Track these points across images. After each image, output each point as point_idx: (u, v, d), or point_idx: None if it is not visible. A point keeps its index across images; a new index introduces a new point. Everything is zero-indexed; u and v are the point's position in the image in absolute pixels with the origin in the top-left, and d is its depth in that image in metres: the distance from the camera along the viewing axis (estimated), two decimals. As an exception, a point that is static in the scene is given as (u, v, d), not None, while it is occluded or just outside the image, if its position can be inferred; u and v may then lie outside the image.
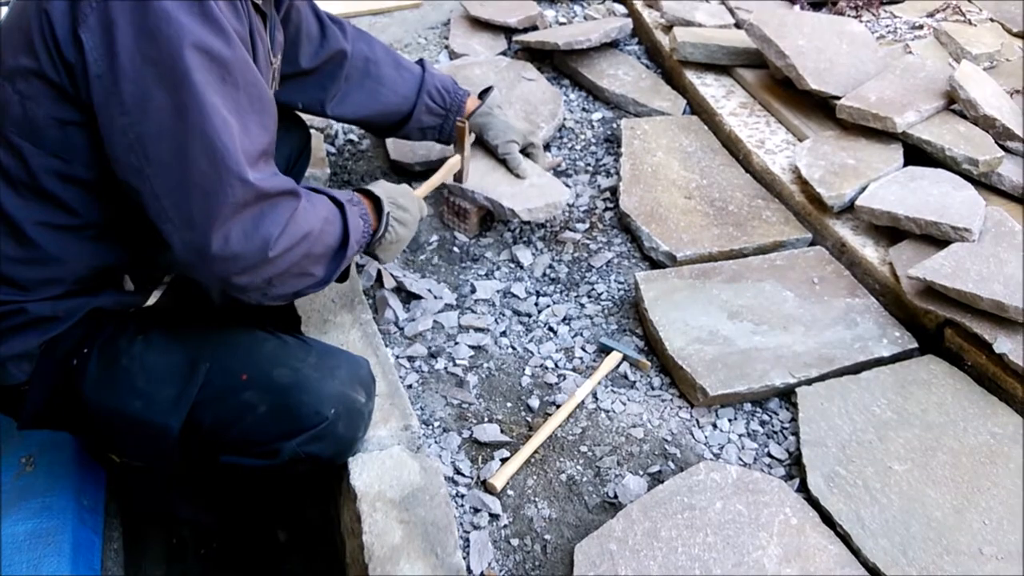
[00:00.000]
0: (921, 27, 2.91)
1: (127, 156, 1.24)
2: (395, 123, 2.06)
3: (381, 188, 1.67)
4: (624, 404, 1.75)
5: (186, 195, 1.25)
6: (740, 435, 1.69)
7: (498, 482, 1.57)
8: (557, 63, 2.95)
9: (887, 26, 2.93)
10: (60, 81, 1.25)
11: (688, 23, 2.90)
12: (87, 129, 1.27)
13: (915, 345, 1.81)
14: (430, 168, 2.41)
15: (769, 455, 1.65)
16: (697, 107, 2.67)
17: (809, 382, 1.72)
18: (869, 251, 2.00)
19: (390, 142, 2.47)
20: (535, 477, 1.61)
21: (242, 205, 1.27)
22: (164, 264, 1.36)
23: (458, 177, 2.11)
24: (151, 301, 1.51)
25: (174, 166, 1.24)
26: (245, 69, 1.30)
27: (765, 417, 1.73)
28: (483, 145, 2.17)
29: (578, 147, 2.57)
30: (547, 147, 2.56)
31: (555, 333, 1.94)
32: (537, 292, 2.06)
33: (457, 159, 2.07)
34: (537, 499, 1.57)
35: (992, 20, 2.92)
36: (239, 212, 1.27)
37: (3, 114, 1.29)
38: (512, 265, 2.14)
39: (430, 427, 1.70)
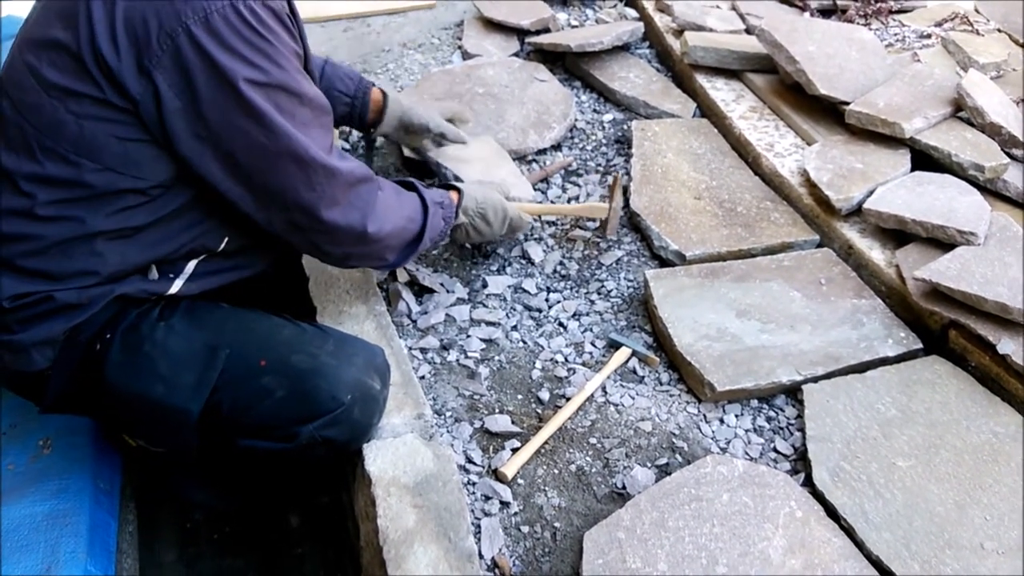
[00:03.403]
0: (929, 36, 2.94)
1: (226, 173, 1.40)
2: None
3: (475, 195, 1.84)
4: (633, 398, 1.78)
5: (286, 191, 1.44)
6: (747, 430, 1.72)
7: (509, 471, 1.60)
8: (569, 65, 2.98)
9: (896, 35, 2.96)
10: (125, 106, 1.32)
11: (699, 28, 2.94)
12: (154, 145, 1.36)
13: (920, 346, 1.84)
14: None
15: (775, 450, 1.68)
16: (707, 110, 2.71)
17: (815, 380, 1.75)
18: (876, 253, 2.03)
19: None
20: (545, 467, 1.64)
21: (333, 192, 1.47)
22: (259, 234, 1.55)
23: (603, 227, 2.19)
24: (173, 289, 1.54)
25: (270, 175, 1.41)
26: (305, 90, 1.43)
27: (771, 413, 1.76)
28: (408, 130, 2.16)
29: (589, 148, 2.60)
30: (558, 147, 2.59)
31: (565, 328, 1.98)
32: (548, 288, 2.09)
33: (604, 207, 2.15)
34: (547, 488, 1.60)
35: (999, 31, 2.95)
36: (334, 198, 1.48)
37: (57, 131, 1.34)
38: (523, 261, 2.17)
39: (442, 417, 1.73)
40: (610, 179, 2.39)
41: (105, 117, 1.32)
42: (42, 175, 1.36)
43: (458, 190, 1.84)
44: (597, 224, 2.23)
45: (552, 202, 2.35)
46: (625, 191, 2.35)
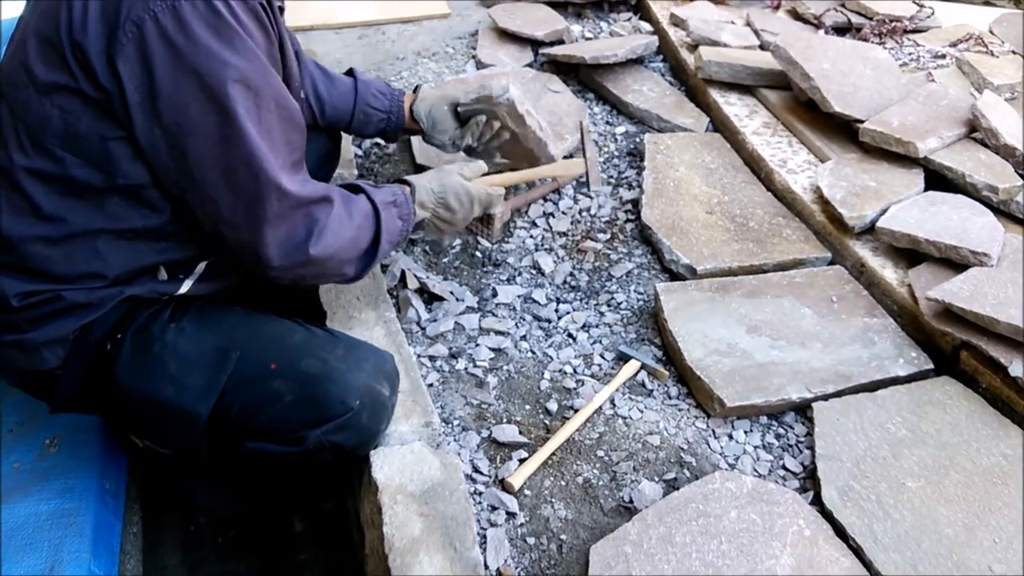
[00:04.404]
0: (944, 56, 2.94)
1: (175, 173, 1.36)
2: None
3: (430, 185, 1.73)
4: (641, 412, 1.78)
5: (232, 204, 1.37)
6: (755, 447, 1.71)
7: (516, 481, 1.59)
8: (583, 77, 2.98)
9: (910, 54, 2.96)
10: (99, 99, 1.30)
11: (714, 43, 2.94)
12: (129, 142, 1.34)
13: (931, 366, 1.83)
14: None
15: (784, 468, 1.67)
16: (720, 125, 2.70)
17: (825, 397, 1.75)
18: (888, 272, 2.03)
19: (416, 146, 2.50)
20: (552, 478, 1.63)
21: (282, 213, 1.40)
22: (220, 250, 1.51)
23: (585, 180, 2.16)
24: (183, 289, 1.54)
25: (220, 180, 1.36)
26: (276, 93, 1.38)
27: (781, 430, 1.75)
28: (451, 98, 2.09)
29: (601, 159, 2.60)
30: (570, 158, 2.59)
31: (574, 339, 1.97)
32: (557, 299, 2.09)
33: (580, 162, 2.11)
34: (554, 500, 1.59)
35: (1014, 52, 2.95)
36: (281, 219, 1.40)
37: (43, 127, 1.34)
38: (533, 271, 2.17)
39: (450, 425, 1.73)
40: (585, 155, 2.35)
41: (85, 111, 1.31)
42: (37, 172, 1.36)
43: (410, 184, 1.73)
44: (569, 182, 2.18)
45: (564, 213, 2.34)
46: (636, 204, 2.35)
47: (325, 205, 1.47)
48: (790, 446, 1.72)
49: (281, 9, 1.54)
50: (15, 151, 1.37)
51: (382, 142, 2.62)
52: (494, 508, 1.57)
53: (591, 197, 2.42)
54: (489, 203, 1.83)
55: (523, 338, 1.97)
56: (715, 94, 2.76)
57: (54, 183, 1.36)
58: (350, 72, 2.07)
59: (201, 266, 1.54)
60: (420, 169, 2.46)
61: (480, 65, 3.02)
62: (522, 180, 2.04)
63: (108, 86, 1.28)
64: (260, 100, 1.34)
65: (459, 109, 2.04)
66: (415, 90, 2.11)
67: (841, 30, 3.13)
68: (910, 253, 2.03)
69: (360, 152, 2.58)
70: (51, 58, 1.31)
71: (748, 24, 3.14)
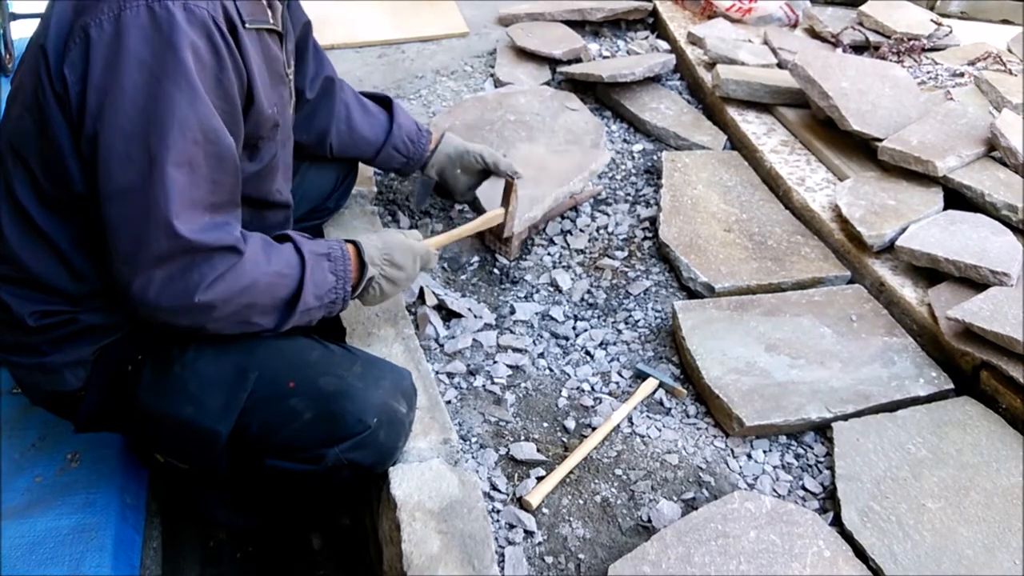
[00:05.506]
0: (962, 75, 2.93)
1: (90, 192, 1.31)
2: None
3: (374, 242, 1.64)
4: (659, 430, 1.77)
5: (121, 231, 1.29)
6: (775, 467, 1.70)
7: (534, 500, 1.59)
8: (600, 95, 3.00)
9: (928, 72, 2.96)
10: (55, 112, 1.29)
11: (731, 61, 2.95)
12: (79, 159, 1.31)
13: (951, 386, 1.82)
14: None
15: (803, 488, 1.67)
16: (738, 143, 2.71)
17: (845, 417, 1.74)
18: (908, 291, 2.02)
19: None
20: (570, 497, 1.63)
21: (167, 255, 1.30)
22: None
23: (499, 231, 2.15)
24: None
25: (116, 206, 1.28)
26: (204, 125, 1.29)
27: (800, 450, 1.74)
28: (462, 162, 2.11)
29: (619, 177, 2.61)
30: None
31: (592, 357, 1.97)
32: (575, 316, 2.09)
33: (500, 212, 2.09)
34: (572, 519, 1.59)
35: (1033, 71, 2.94)
36: (164, 262, 1.30)
37: (26, 141, 1.35)
38: (551, 289, 2.17)
39: (468, 442, 1.73)
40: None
41: (49, 125, 1.30)
42: (27, 188, 1.37)
43: (355, 243, 1.61)
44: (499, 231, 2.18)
45: (581, 230, 2.35)
46: (654, 221, 2.35)
47: (228, 255, 1.35)
48: (809, 466, 1.71)
49: (273, 30, 1.51)
50: (12, 165, 1.38)
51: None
52: (512, 526, 1.57)
53: (608, 215, 2.42)
54: (428, 261, 1.74)
55: (541, 355, 1.97)
56: (733, 112, 2.77)
57: (40, 199, 1.37)
58: (388, 103, 2.06)
59: None
60: (438, 187, 2.47)
61: (498, 83, 3.04)
62: (456, 237, 1.98)
63: (60, 92, 1.27)
64: (187, 131, 1.27)
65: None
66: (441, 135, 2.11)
67: (859, 48, 3.13)
68: (929, 272, 2.03)
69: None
70: (34, 69, 1.32)
71: (765, 42, 3.15)
